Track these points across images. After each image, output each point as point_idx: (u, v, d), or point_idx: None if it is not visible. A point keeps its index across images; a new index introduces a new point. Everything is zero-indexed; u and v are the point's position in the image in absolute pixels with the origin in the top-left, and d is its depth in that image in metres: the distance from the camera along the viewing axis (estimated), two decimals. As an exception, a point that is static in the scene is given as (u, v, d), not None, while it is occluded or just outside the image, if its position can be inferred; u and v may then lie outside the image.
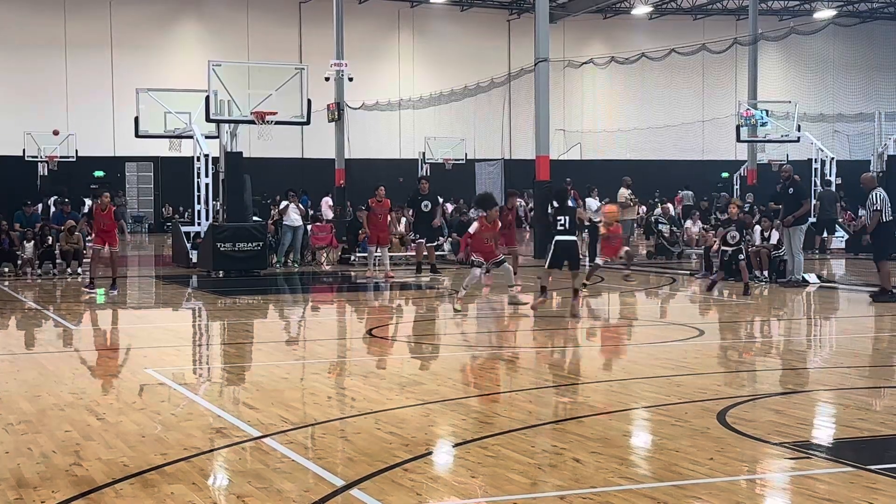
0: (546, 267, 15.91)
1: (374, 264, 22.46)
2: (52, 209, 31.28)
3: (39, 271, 23.10)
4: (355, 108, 40.44)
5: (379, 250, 22.25)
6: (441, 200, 24.42)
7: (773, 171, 25.78)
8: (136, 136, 28.29)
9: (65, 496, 6.31)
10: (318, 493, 6.32)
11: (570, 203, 28.36)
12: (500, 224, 16.77)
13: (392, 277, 21.46)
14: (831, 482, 6.53)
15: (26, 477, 6.74)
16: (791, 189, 20.13)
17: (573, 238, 15.78)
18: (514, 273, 17.88)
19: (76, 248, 23.60)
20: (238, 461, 7.30)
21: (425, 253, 23.32)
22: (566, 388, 9.89)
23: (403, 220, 27.26)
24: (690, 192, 47.12)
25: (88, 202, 29.47)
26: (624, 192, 28.82)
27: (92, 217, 19.58)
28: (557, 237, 15.58)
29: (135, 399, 9.57)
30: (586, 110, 53.13)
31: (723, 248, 18.55)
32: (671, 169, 49.76)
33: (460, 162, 45.48)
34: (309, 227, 27.48)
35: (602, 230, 18.78)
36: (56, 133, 42.48)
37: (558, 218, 15.57)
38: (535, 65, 28.89)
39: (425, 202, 22.89)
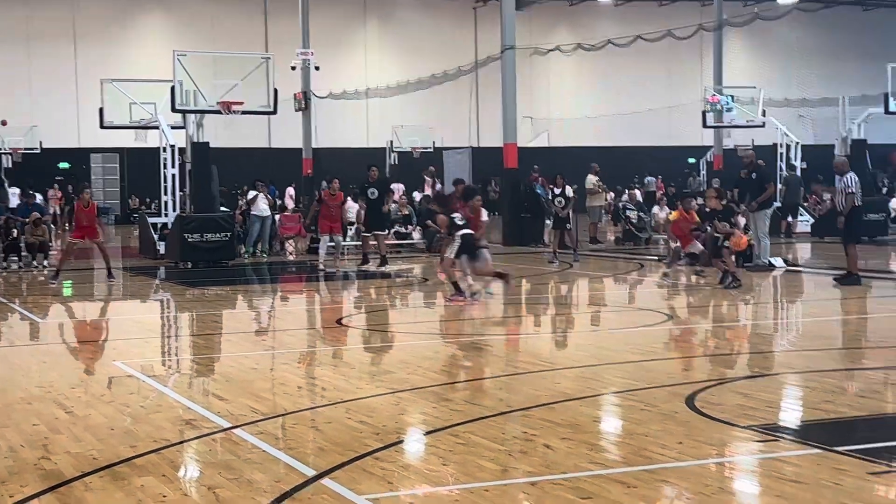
0: (453, 257, 16.02)
1: (330, 254, 22.30)
2: (17, 202, 31.03)
3: (4, 264, 22.89)
4: (322, 98, 40.32)
5: (332, 240, 22.13)
6: (396, 189, 24.35)
7: (738, 157, 25.91)
8: (101, 127, 28.05)
9: (34, 490, 6.27)
10: (289, 483, 6.32)
11: (537, 190, 28.47)
12: (482, 214, 16.92)
13: (340, 269, 21.33)
14: (799, 464, 6.59)
15: (-6, 471, 6.70)
16: (754, 174, 20.24)
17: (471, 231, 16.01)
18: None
19: (41, 240, 23.40)
20: (208, 452, 7.28)
21: (373, 242, 23.08)
22: (536, 375, 9.92)
23: (355, 208, 27.19)
24: (654, 179, 47.31)
25: (51, 192, 29.31)
26: (592, 179, 28.90)
27: (73, 212, 19.99)
28: (461, 231, 15.83)
29: (103, 392, 9.52)
30: (553, 97, 53.20)
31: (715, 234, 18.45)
32: (638, 155, 49.93)
33: (428, 150, 45.41)
34: (277, 216, 27.40)
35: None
36: (4, 123, 41.89)
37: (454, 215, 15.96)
38: (502, 52, 28.89)
39: (372, 190, 22.57)
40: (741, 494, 6.20)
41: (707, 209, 18.43)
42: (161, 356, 12.28)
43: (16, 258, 23.44)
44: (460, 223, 15.84)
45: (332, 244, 22.14)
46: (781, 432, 7.52)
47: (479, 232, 16.37)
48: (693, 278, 18.79)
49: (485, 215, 17.12)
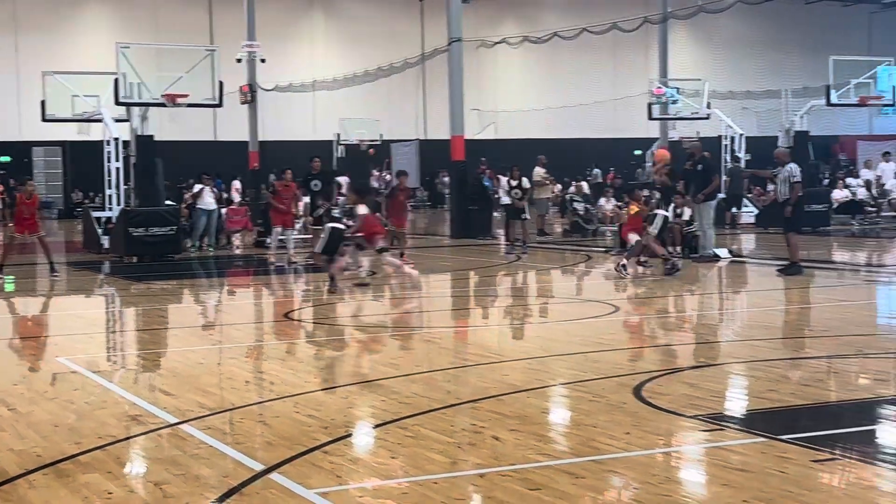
0: (319, 252, 16.55)
1: (280, 247, 22.17)
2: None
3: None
4: (268, 90, 40.08)
5: (284, 233, 22.02)
6: (342, 182, 24.28)
7: (683, 148, 26.14)
8: (43, 119, 27.66)
9: (-24, 489, 6.18)
10: (238, 478, 6.28)
11: (485, 182, 28.57)
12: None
13: (295, 262, 21.22)
14: (744, 452, 6.66)
15: (-65, 471, 6.59)
16: (700, 166, 20.41)
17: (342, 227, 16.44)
18: (402, 254, 18.97)
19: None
20: (155, 448, 7.21)
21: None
22: (484, 367, 9.94)
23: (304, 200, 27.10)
24: (599, 171, 47.62)
25: None
26: (539, 171, 28.98)
27: (15, 205, 19.75)
28: (331, 224, 16.47)
29: (47, 388, 9.40)
30: (500, 90, 53.29)
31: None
32: (585, 147, 50.21)
33: (376, 143, 45.33)
34: (224, 210, 27.20)
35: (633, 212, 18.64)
36: None
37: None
38: (449, 45, 28.88)
39: (314, 181, 22.39)
40: (688, 483, 6.26)
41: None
42: (106, 352, 12.14)
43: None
44: (337, 216, 16.23)
45: (283, 237, 22.02)
46: (727, 421, 7.60)
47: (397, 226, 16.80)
48: (640, 270, 18.91)
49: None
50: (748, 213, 30.67)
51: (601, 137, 51.46)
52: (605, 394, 8.45)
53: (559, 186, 36.13)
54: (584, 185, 34.36)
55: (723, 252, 20.45)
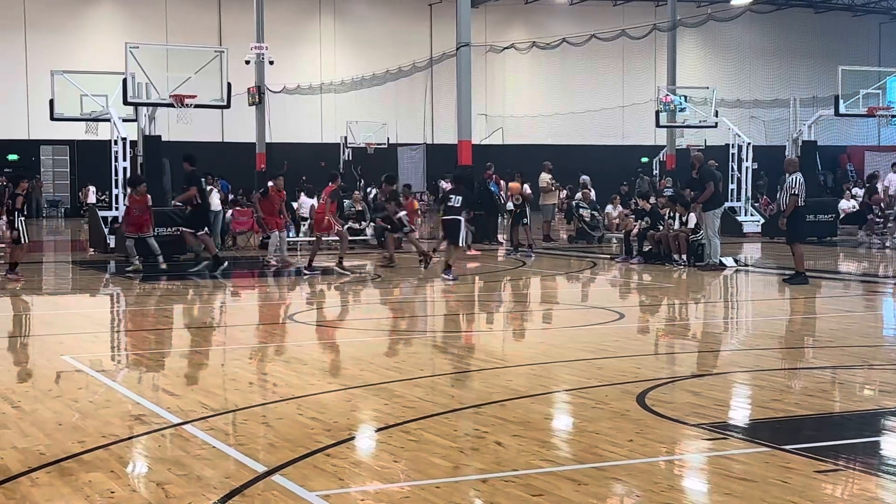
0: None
1: (275, 250, 22.24)
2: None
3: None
4: (276, 92, 40.16)
5: (279, 236, 22.10)
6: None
7: (689, 158, 26.22)
8: (52, 119, 27.73)
9: (-21, 486, 6.18)
10: (240, 479, 6.28)
11: (491, 187, 28.77)
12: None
13: (289, 264, 21.27)
14: (747, 462, 6.65)
15: (-62, 467, 6.60)
16: (696, 174, 20.54)
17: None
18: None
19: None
20: (158, 448, 7.22)
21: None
22: (488, 372, 9.94)
23: (309, 203, 27.21)
24: (588, 178, 47.51)
25: None
26: (545, 177, 29.00)
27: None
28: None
29: (51, 387, 9.41)
30: (508, 95, 53.32)
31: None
32: (592, 154, 50.21)
33: (382, 146, 45.39)
34: (230, 211, 27.22)
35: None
36: None
37: None
38: (457, 49, 28.90)
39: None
40: (690, 492, 6.24)
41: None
42: (110, 351, 12.16)
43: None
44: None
45: (278, 241, 22.12)
46: (731, 430, 7.59)
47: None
48: (645, 276, 18.92)
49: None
50: (754, 222, 30.65)
51: (608, 144, 51.47)
52: (609, 401, 8.44)
53: (565, 192, 36.13)
54: (591, 191, 34.36)
55: (728, 261, 20.44)
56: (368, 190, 34.18)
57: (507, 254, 23.18)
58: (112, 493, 6.06)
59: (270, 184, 23.70)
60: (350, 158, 44.40)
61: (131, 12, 48.27)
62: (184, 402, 8.47)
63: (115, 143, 24.38)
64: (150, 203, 20.81)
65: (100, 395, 8.94)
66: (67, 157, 48.00)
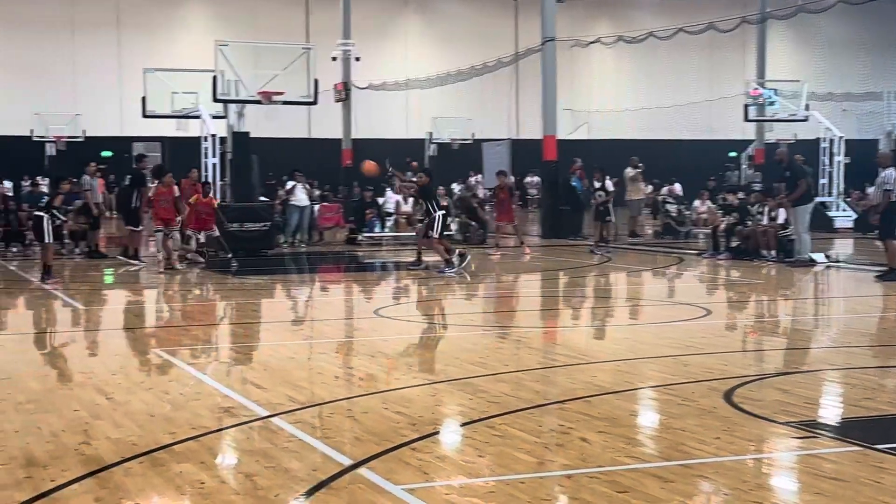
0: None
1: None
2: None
3: (64, 251, 23.01)
4: (362, 88, 40.39)
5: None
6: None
7: (775, 155, 25.82)
8: (144, 116, 28.21)
9: (74, 475, 6.34)
10: (326, 472, 6.35)
11: (573, 183, 28.65)
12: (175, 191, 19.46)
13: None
14: (838, 461, 6.54)
15: (36, 456, 6.78)
16: (787, 171, 20.14)
17: None
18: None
19: (84, 227, 23.59)
20: (246, 440, 7.33)
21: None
22: (572, 368, 9.90)
23: (395, 199, 27.42)
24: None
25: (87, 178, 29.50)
26: (631, 172, 28.80)
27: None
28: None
29: (143, 378, 9.61)
30: (594, 90, 52.88)
31: None
32: (678, 148, 49.60)
33: (467, 142, 45.38)
34: (316, 207, 27.49)
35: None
36: None
37: None
38: (543, 44, 28.78)
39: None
40: (779, 491, 6.15)
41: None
42: (200, 344, 12.37)
43: (59, 245, 23.71)
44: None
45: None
46: (820, 429, 7.46)
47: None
48: (733, 272, 18.68)
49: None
50: (846, 217, 30.05)
51: (695, 139, 50.80)
52: (695, 398, 8.35)
53: (651, 188, 35.80)
54: (677, 186, 34.01)
55: (819, 257, 20.07)
56: (452, 185, 34.26)
57: (590, 251, 23.02)
58: (202, 483, 6.17)
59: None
60: (436, 154, 44.50)
61: (220, 11, 48.97)
62: (271, 395, 8.59)
63: (205, 139, 24.75)
64: (178, 194, 20.64)
65: (190, 388, 9.10)
66: (159, 154, 48.83)
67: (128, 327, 13.70)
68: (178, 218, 20.31)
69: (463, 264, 18.65)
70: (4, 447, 6.99)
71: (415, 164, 23.20)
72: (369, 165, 19.78)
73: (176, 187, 20.66)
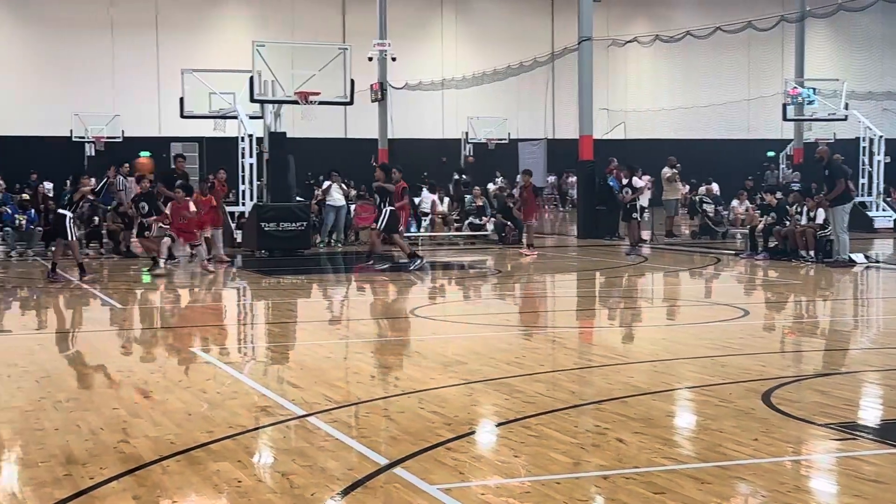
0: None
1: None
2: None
3: (86, 251, 23.28)
4: (398, 88, 40.45)
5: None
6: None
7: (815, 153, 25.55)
8: (182, 116, 28.43)
9: (113, 472, 6.39)
10: (362, 472, 6.36)
11: (610, 182, 28.56)
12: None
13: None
14: (878, 463, 6.48)
15: (75, 453, 6.84)
16: (826, 170, 19.98)
17: None
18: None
19: (119, 227, 23.78)
20: (283, 439, 7.36)
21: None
22: (609, 368, 9.87)
23: (430, 199, 27.47)
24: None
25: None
26: (668, 172, 28.67)
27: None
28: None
29: (181, 377, 9.67)
30: (630, 89, 52.67)
31: None
32: (716, 148, 49.30)
33: (503, 141, 45.36)
34: (352, 206, 27.57)
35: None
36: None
37: None
38: (579, 44, 28.71)
39: (179, 182, 21.57)
40: (818, 493, 6.10)
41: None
42: (237, 343, 12.44)
43: (98, 244, 23.97)
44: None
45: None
46: (860, 431, 7.39)
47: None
48: (771, 273, 18.55)
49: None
50: (886, 217, 29.76)
51: (733, 138, 50.47)
52: (733, 399, 8.30)
53: (688, 187, 35.61)
54: (714, 186, 33.80)
55: (858, 257, 19.88)
56: (488, 185, 34.24)
57: (626, 252, 22.95)
58: (239, 482, 6.20)
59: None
60: (472, 154, 44.50)
61: (257, 11, 49.19)
62: (308, 394, 8.62)
63: (242, 139, 24.90)
64: (193, 209, 20.12)
65: (227, 387, 9.15)
66: (196, 154, 49.14)
67: (165, 326, 13.80)
68: (199, 233, 20.17)
69: (413, 266, 19.39)
70: (44, 445, 7.07)
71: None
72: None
73: (191, 202, 20.21)
